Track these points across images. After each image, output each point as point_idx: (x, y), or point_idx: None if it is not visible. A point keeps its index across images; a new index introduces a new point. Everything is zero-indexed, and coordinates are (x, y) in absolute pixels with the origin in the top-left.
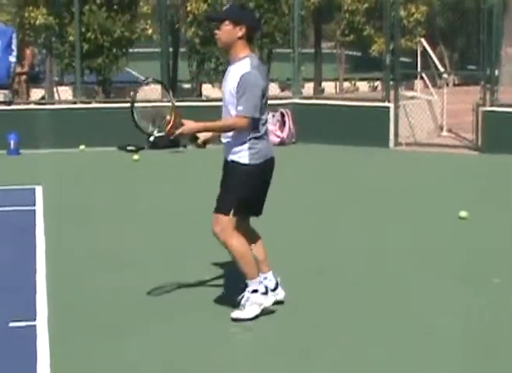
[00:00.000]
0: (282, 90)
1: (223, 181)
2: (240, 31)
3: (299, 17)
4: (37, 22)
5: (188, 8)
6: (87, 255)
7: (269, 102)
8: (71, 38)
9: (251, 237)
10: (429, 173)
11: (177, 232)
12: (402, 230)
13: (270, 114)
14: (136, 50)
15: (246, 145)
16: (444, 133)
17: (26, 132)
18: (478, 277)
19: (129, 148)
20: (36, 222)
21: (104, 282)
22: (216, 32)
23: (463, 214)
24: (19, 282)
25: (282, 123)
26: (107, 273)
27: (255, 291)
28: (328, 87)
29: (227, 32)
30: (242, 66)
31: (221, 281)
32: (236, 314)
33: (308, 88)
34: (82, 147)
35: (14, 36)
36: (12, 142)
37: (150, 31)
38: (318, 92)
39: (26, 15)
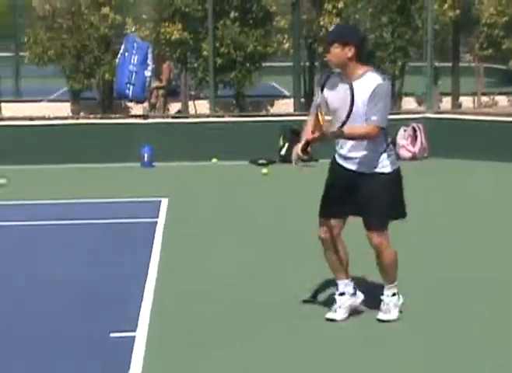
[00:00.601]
0: (419, 104)
1: (370, 194)
2: (350, 52)
3: (432, 31)
4: (173, 37)
5: (321, 23)
6: (200, 270)
7: (401, 116)
8: (205, 53)
9: (342, 242)
10: None
11: (295, 246)
12: None
13: (401, 129)
14: (271, 64)
15: (385, 154)
16: None
17: (160, 145)
18: None
19: (260, 161)
20: (156, 235)
21: (213, 298)
22: (327, 54)
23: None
24: (128, 293)
25: (414, 138)
26: (218, 288)
27: (394, 294)
28: (466, 101)
29: (336, 54)
30: (371, 79)
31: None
32: (382, 316)
33: (446, 102)
34: (214, 160)
35: (150, 50)
36: (145, 155)
37: (287, 45)
38: (456, 106)
39: (162, 30)
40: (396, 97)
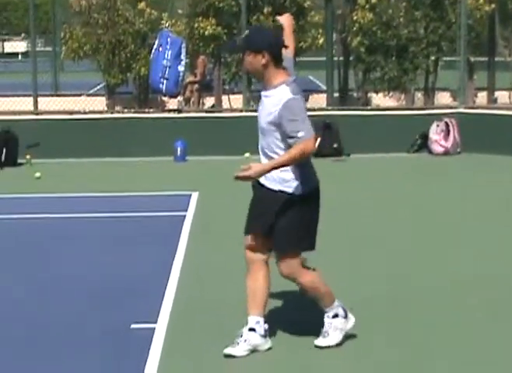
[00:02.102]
0: (454, 99)
1: (269, 211)
2: (264, 58)
3: (466, 26)
4: (206, 32)
5: (354, 18)
6: (224, 265)
7: (434, 111)
8: None
9: (265, 274)
10: None
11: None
12: None
13: (434, 124)
14: (307, 58)
15: (293, 174)
16: None
17: (194, 139)
18: None
19: None
20: (183, 228)
21: (236, 294)
22: (243, 63)
23: None
24: (151, 286)
25: (447, 133)
26: (242, 284)
27: (336, 315)
28: (503, 96)
29: (249, 62)
30: (281, 94)
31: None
32: (320, 341)
33: (482, 97)
34: (247, 154)
35: (183, 46)
36: (178, 149)
37: (321, 40)
38: (491, 101)
39: (196, 25)
40: (430, 92)
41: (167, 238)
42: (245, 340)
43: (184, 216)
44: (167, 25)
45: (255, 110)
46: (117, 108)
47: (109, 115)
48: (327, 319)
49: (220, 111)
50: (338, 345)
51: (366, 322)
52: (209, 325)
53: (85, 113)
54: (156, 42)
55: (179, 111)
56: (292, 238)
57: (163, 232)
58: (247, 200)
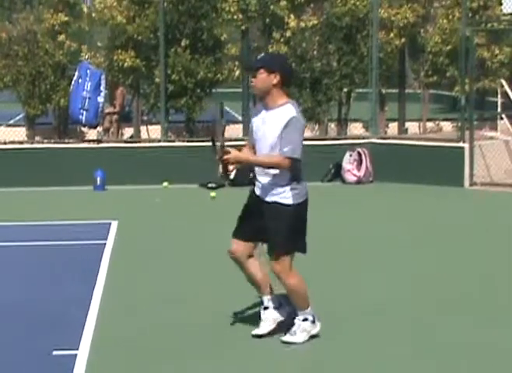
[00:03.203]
0: (366, 130)
1: (269, 223)
2: (275, 79)
3: (377, 59)
4: (125, 64)
5: (270, 51)
6: (144, 293)
7: (347, 141)
8: (157, 79)
9: (254, 262)
10: (501, 213)
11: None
12: (475, 273)
13: (347, 153)
14: (224, 90)
15: (288, 187)
16: None
17: (113, 169)
18: None
19: (210, 185)
20: (103, 256)
21: (155, 320)
22: (252, 79)
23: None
24: (72, 314)
25: (359, 163)
26: (160, 311)
27: (305, 319)
28: (413, 127)
29: (262, 80)
30: (286, 111)
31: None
32: (287, 338)
33: (393, 127)
34: (165, 184)
35: (103, 77)
36: (98, 178)
37: (237, 72)
38: (402, 131)
39: (116, 57)
40: (343, 123)
41: (88, 266)
42: (263, 320)
43: (105, 244)
44: (87, 57)
45: (173, 140)
46: (37, 138)
47: (29, 145)
48: (297, 321)
49: (139, 141)
50: None
51: None
52: (130, 351)
53: (5, 143)
54: (76, 73)
55: (98, 141)
56: (289, 239)
57: (83, 260)
58: (166, 228)
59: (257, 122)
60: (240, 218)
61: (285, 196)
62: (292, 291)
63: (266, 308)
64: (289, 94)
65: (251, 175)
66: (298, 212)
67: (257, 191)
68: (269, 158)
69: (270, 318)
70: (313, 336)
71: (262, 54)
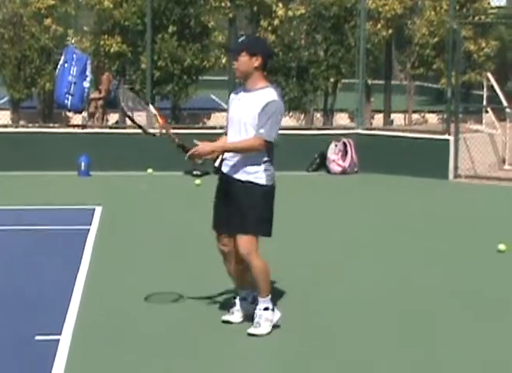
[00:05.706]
0: (351, 120)
1: (241, 202)
2: (257, 61)
3: (364, 50)
4: (112, 49)
5: None
6: (126, 277)
7: (333, 131)
8: (143, 65)
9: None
10: (484, 205)
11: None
12: (456, 264)
13: (333, 144)
14: (210, 77)
15: (262, 167)
16: (506, 166)
17: (98, 154)
18: None
19: (195, 172)
20: (87, 242)
21: (138, 304)
22: (234, 62)
23: (502, 247)
24: (55, 299)
25: (345, 153)
26: (143, 295)
27: (267, 308)
28: (398, 118)
29: (244, 63)
30: (267, 94)
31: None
32: (252, 330)
33: (378, 119)
34: (149, 170)
35: (89, 62)
36: (82, 164)
37: (224, 60)
38: (387, 123)
39: (102, 42)
40: (328, 113)
41: (71, 251)
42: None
43: (88, 229)
44: (73, 41)
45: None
46: (22, 122)
47: (13, 129)
48: (258, 311)
49: (124, 127)
50: None
51: None
52: (113, 337)
53: None
54: (62, 58)
55: (83, 126)
56: (257, 220)
57: (67, 245)
58: (150, 214)
59: (233, 101)
60: (214, 207)
61: (258, 176)
62: (258, 273)
63: (244, 299)
64: (269, 79)
65: (215, 165)
66: (270, 194)
67: (225, 169)
68: (244, 141)
69: (245, 309)
70: (275, 326)
71: (243, 37)
